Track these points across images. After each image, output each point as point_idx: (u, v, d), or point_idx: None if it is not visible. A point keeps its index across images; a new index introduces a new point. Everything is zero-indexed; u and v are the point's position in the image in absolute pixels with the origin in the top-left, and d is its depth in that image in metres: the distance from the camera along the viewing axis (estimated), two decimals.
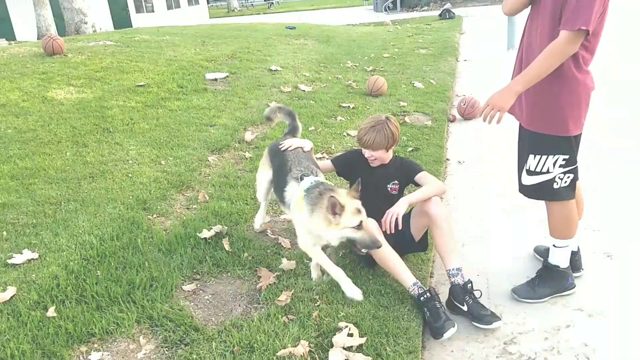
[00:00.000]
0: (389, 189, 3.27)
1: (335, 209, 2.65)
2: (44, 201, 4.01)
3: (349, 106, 6.89)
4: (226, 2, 41.69)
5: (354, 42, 12.50)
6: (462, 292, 2.85)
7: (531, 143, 2.78)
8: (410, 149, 5.32)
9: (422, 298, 2.80)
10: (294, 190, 2.97)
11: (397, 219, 2.90)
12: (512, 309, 2.98)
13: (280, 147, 3.26)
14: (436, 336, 2.69)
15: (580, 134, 2.74)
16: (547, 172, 2.74)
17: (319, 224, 2.76)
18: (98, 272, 3.13)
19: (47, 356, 2.53)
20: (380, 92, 7.51)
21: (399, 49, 11.81)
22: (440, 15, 19.66)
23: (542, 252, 3.40)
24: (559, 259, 2.98)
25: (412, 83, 8.29)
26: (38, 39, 13.01)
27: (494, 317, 2.78)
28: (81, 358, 2.56)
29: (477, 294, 2.90)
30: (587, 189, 4.36)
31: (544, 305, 2.99)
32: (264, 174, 3.46)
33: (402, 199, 2.99)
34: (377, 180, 3.21)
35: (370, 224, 2.94)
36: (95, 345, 2.62)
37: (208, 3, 41.14)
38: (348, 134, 5.73)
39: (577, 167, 2.76)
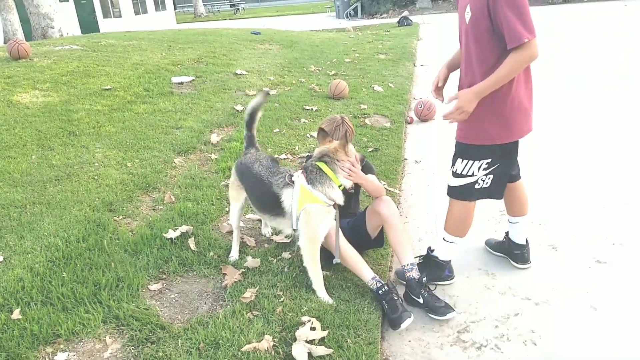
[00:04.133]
0: (348, 188, 3.28)
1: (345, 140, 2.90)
2: (9, 204, 3.88)
3: (312, 109, 6.89)
4: (193, 8, 41.15)
5: (317, 47, 12.51)
6: (417, 286, 2.88)
7: (459, 149, 2.86)
8: (370, 149, 5.35)
9: (380, 291, 2.82)
10: (292, 194, 2.88)
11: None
12: (465, 299, 3.03)
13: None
14: (394, 327, 2.72)
15: (517, 140, 2.79)
16: (472, 175, 2.81)
17: (344, 175, 2.89)
18: (64, 273, 3.05)
19: (12, 358, 2.45)
20: (342, 95, 7.54)
21: (360, 54, 11.87)
22: (398, 22, 19.82)
23: (493, 245, 3.48)
24: (441, 251, 3.11)
25: (372, 87, 8.34)
26: (4, 43, 12.59)
27: (448, 308, 2.83)
28: (47, 359, 2.49)
29: (431, 286, 2.94)
30: (532, 185, 4.48)
31: (494, 295, 3.05)
32: (237, 194, 3.29)
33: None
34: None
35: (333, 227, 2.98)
36: (61, 346, 2.56)
37: (175, 8, 40.53)
38: (311, 136, 5.73)
39: (499, 166, 2.79)
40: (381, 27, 19.99)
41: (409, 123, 6.73)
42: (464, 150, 2.81)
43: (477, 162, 2.76)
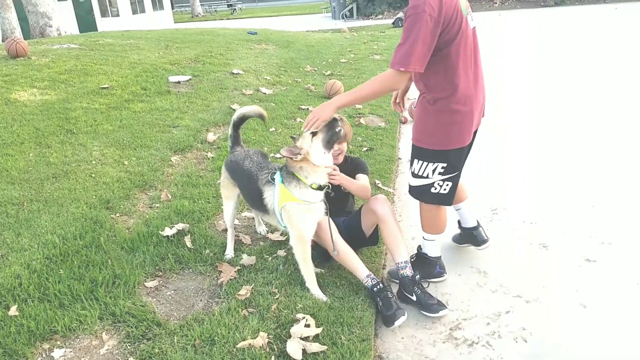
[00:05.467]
0: (342, 187, 3.28)
1: (295, 153, 2.77)
2: (7, 202, 3.86)
3: (307, 108, 6.88)
4: (190, 8, 41.03)
5: (313, 47, 12.49)
6: (410, 283, 2.89)
7: (414, 150, 2.87)
8: (365, 148, 5.36)
9: (375, 289, 2.82)
10: (273, 192, 2.88)
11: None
12: (457, 297, 3.04)
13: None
14: (388, 324, 2.72)
15: (469, 145, 2.81)
16: (427, 177, 2.82)
17: (312, 174, 2.79)
18: (61, 270, 3.03)
19: (9, 354, 2.43)
20: (337, 94, 7.52)
21: (355, 54, 11.86)
22: (393, 23, 19.85)
23: (457, 239, 3.56)
24: (428, 249, 3.14)
25: None
26: (2, 41, 12.52)
27: (440, 306, 2.83)
28: (44, 355, 2.48)
29: (424, 284, 2.95)
30: (523, 185, 4.50)
31: (486, 292, 3.06)
32: (229, 191, 3.27)
33: (342, 175, 3.02)
34: None
35: (323, 220, 2.98)
36: (58, 342, 2.54)
37: (173, 8, 40.40)
38: None
39: (457, 174, 2.83)
40: (376, 28, 20.02)
41: (403, 123, 6.73)
42: (418, 152, 2.83)
43: (431, 164, 2.78)
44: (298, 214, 2.83)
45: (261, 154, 3.21)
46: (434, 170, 2.78)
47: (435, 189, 2.84)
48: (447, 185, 2.82)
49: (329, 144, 2.80)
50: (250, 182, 3.01)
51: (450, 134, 2.69)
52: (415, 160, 2.85)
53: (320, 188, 2.83)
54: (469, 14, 2.62)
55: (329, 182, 2.88)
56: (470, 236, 3.39)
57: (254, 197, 3.03)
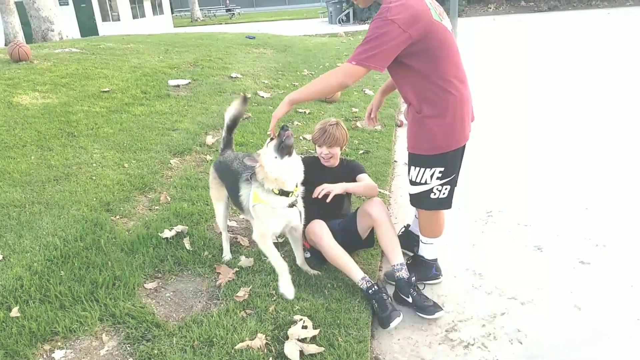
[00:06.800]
0: (345, 194, 3.29)
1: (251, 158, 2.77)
2: (9, 204, 3.85)
3: (304, 112, 6.88)
4: (190, 12, 41.00)
5: (310, 51, 12.49)
6: (406, 285, 2.88)
7: (410, 158, 2.85)
8: (361, 151, 5.36)
9: (370, 291, 2.81)
10: (249, 191, 2.88)
11: (328, 194, 2.94)
12: (453, 299, 3.03)
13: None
14: (384, 326, 2.71)
15: (462, 148, 2.79)
16: (425, 183, 2.80)
17: (267, 181, 2.74)
18: (62, 272, 3.02)
19: (10, 355, 2.42)
20: (334, 98, 7.53)
21: None
22: None
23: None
24: (424, 252, 3.13)
25: (363, 90, 8.35)
26: (5, 45, 12.49)
27: (436, 308, 2.82)
28: (45, 356, 2.46)
29: (420, 286, 2.94)
30: (517, 188, 4.50)
31: (481, 294, 3.05)
32: (218, 193, 3.27)
33: (341, 184, 3.05)
34: (328, 182, 3.18)
35: (317, 224, 3.00)
36: (59, 344, 2.53)
37: (172, 13, 40.38)
38: (304, 138, 5.72)
39: (455, 177, 2.82)
40: None
41: (399, 126, 6.73)
42: (414, 159, 2.81)
43: (428, 169, 2.76)
44: (263, 215, 2.82)
45: (251, 158, 3.18)
46: (431, 176, 2.76)
47: (435, 194, 2.82)
48: (446, 189, 2.81)
49: (279, 151, 2.72)
50: (234, 180, 3.02)
51: (443, 137, 2.67)
52: (412, 168, 2.82)
53: (284, 193, 2.77)
54: (443, 20, 2.57)
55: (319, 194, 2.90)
56: (411, 241, 3.36)
57: (234, 195, 3.04)
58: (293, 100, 2.65)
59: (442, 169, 2.75)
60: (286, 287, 2.81)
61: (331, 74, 2.57)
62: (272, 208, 2.79)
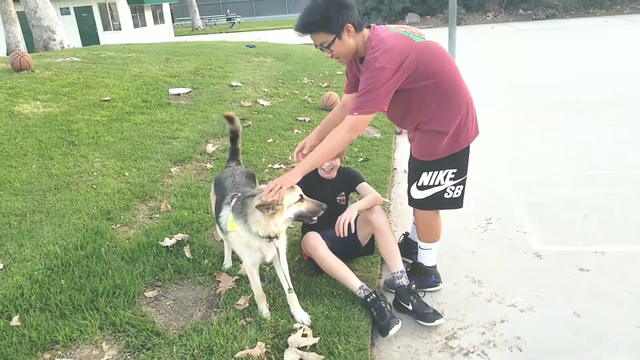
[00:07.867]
0: (338, 200, 3.29)
1: (268, 207, 2.45)
2: (9, 213, 3.85)
3: (304, 120, 6.89)
4: (191, 21, 41.14)
5: (310, 60, 12.52)
6: (406, 293, 2.88)
7: (421, 165, 2.84)
8: (361, 159, 5.36)
9: (368, 299, 2.81)
10: (226, 215, 2.70)
11: (349, 223, 2.90)
12: (453, 306, 3.02)
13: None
14: (383, 333, 2.70)
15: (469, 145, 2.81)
16: (439, 184, 2.82)
17: (258, 226, 2.51)
18: (62, 281, 3.02)
19: None
20: (333, 106, 7.53)
21: None
22: None
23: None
24: (424, 258, 3.13)
25: None
26: (7, 54, 12.54)
27: (436, 315, 2.82)
28: None
29: (420, 294, 2.94)
30: (517, 193, 4.50)
31: (481, 302, 3.05)
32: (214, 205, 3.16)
33: (352, 206, 3.01)
34: (327, 194, 3.17)
35: (311, 236, 3.00)
36: (59, 352, 2.53)
37: (173, 22, 40.50)
38: None
39: (465, 177, 2.85)
40: None
41: (399, 134, 6.74)
42: (425, 165, 2.81)
43: (442, 171, 2.78)
44: (238, 245, 2.69)
45: (248, 174, 3.11)
46: (445, 177, 2.79)
47: (448, 194, 2.84)
48: (459, 188, 2.84)
49: (296, 218, 2.61)
50: (220, 199, 2.89)
51: (456, 137, 2.69)
52: (424, 174, 2.82)
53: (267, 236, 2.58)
54: (425, 38, 2.60)
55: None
56: (410, 249, 3.37)
57: (217, 213, 2.88)
58: (304, 171, 2.58)
59: (454, 170, 2.78)
60: (262, 310, 2.82)
61: (335, 133, 2.56)
62: (245, 241, 2.62)
